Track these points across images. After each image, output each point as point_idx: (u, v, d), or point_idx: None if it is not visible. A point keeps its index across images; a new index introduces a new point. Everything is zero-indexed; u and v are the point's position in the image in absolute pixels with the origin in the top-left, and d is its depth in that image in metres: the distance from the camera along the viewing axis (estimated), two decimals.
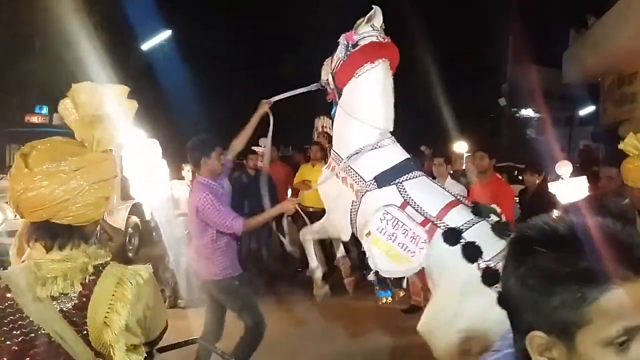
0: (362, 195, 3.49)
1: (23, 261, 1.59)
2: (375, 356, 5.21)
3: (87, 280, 1.53)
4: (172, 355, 1.97)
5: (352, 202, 3.56)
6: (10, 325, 1.49)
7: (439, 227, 3.17)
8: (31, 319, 1.49)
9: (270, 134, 4.38)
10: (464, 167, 7.56)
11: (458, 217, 3.19)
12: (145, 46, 17.55)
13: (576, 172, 6.82)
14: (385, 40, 3.75)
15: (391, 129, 3.73)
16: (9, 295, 1.50)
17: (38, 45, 12.76)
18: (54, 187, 1.50)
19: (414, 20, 15.67)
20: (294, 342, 5.39)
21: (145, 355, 1.58)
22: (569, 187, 5.48)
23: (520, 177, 14.34)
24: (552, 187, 6.13)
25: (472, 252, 3.02)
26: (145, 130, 5.84)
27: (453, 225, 3.14)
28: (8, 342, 1.48)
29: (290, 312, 6.37)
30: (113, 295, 1.52)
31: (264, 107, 4.29)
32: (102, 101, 1.67)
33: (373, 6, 3.74)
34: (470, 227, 3.13)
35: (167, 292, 6.43)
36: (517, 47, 19.77)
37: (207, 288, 4.20)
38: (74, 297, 1.52)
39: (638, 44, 9.07)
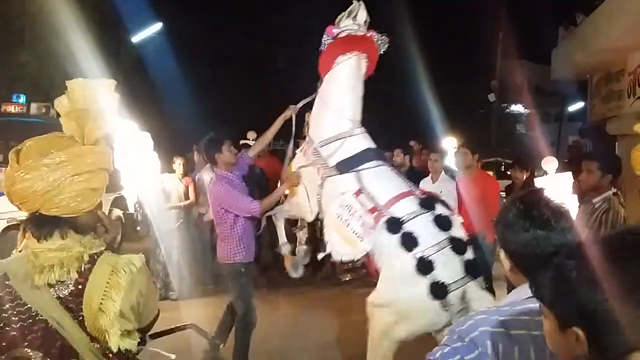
0: (325, 180, 3.77)
1: (20, 251, 1.65)
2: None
3: (82, 269, 1.59)
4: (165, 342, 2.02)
5: (318, 186, 3.83)
6: (9, 312, 1.56)
7: (385, 215, 3.36)
8: (29, 305, 1.56)
9: (292, 136, 4.58)
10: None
11: (404, 207, 3.39)
12: (136, 38, 17.45)
13: (565, 168, 6.93)
14: (366, 35, 3.93)
15: (359, 119, 3.94)
16: (7, 282, 1.57)
17: (28, 38, 12.66)
18: (35, 180, 1.56)
19: (403, 16, 15.70)
20: (286, 333, 5.46)
21: (139, 340, 1.65)
22: (555, 182, 5.59)
23: (509, 172, 14.51)
24: (539, 182, 6.23)
25: (408, 242, 3.21)
26: (136, 123, 5.88)
27: (397, 215, 3.33)
28: (7, 328, 1.55)
29: (281, 303, 6.42)
30: (107, 282, 1.58)
31: (290, 111, 4.48)
32: (91, 96, 1.73)
33: (354, 1, 3.93)
34: (413, 218, 3.32)
35: (158, 284, 6.47)
36: (506, 43, 19.87)
37: (222, 270, 4.52)
38: (70, 284, 1.58)
39: (625, 42, 9.17)
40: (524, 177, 6.39)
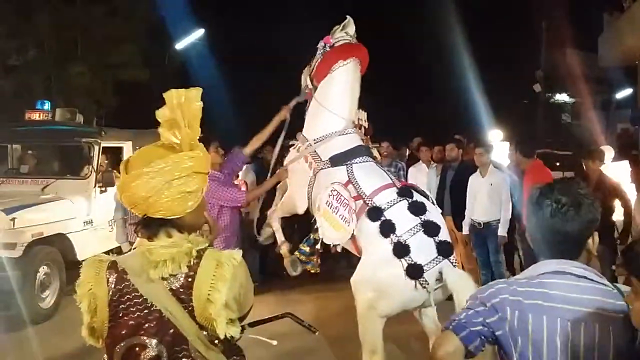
0: (318, 172, 4.14)
1: (134, 248, 1.82)
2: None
3: (191, 263, 1.74)
4: None
5: (310, 179, 4.20)
6: (127, 303, 1.72)
7: (368, 205, 3.72)
8: (145, 297, 1.72)
9: (282, 136, 4.99)
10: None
11: (385, 197, 3.73)
12: (180, 45, 17.88)
13: (617, 157, 6.80)
14: (359, 43, 4.40)
15: (353, 119, 4.36)
16: (125, 276, 1.74)
17: (81, 49, 13.18)
18: (139, 187, 1.72)
19: (447, 8, 15.63)
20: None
21: (241, 329, 1.79)
22: (612, 172, 5.54)
23: (558, 164, 14.24)
24: None
25: (386, 229, 3.55)
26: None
27: (378, 204, 3.69)
28: (125, 318, 1.72)
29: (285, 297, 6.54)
30: (214, 275, 1.72)
31: (284, 111, 4.83)
32: (184, 105, 1.86)
33: (347, 16, 4.41)
34: (392, 206, 3.66)
35: None
36: (551, 32, 19.47)
37: None
38: (181, 277, 1.73)
39: None
40: (599, 168, 5.86)
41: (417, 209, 3.61)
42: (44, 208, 6.65)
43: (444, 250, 3.48)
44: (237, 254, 1.81)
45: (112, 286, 1.74)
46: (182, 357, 1.73)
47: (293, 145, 7.97)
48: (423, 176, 7.72)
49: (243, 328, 1.85)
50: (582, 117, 21.63)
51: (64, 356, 5.12)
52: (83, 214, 7.07)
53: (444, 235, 3.59)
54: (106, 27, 12.77)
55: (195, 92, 1.92)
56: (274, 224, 4.82)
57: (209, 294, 1.70)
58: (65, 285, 6.56)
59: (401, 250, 3.45)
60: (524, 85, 22.12)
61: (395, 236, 3.51)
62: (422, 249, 3.46)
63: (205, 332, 1.74)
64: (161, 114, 1.87)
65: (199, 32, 17.99)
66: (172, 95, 1.87)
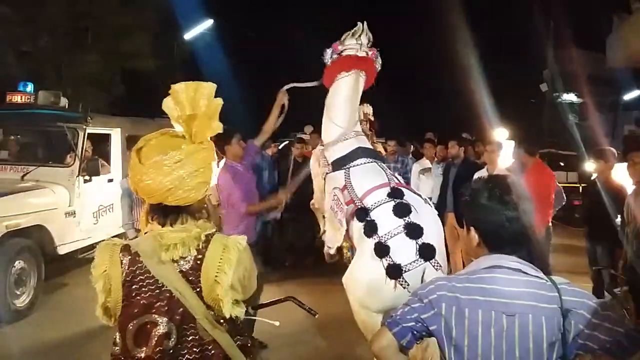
0: (325, 176, 4.34)
1: (146, 232, 1.93)
2: None
3: (200, 247, 1.86)
4: None
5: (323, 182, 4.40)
6: (140, 284, 1.84)
7: (358, 206, 3.82)
8: (156, 278, 1.84)
9: (281, 119, 4.96)
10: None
11: (373, 198, 3.80)
12: (188, 35, 17.91)
13: (621, 159, 6.83)
14: (368, 54, 4.42)
15: (353, 127, 4.41)
16: (138, 259, 1.85)
17: (91, 39, 13.27)
18: (160, 178, 1.83)
19: (454, 8, 15.64)
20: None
21: (245, 310, 1.89)
22: (619, 173, 5.59)
23: (562, 164, 14.24)
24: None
25: (369, 229, 3.63)
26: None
27: (366, 205, 3.78)
28: (138, 297, 1.84)
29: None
30: (221, 258, 1.84)
31: (282, 96, 4.84)
32: (197, 99, 1.96)
33: (358, 22, 4.37)
34: (377, 207, 3.73)
35: None
36: (559, 32, 19.45)
37: None
38: (191, 260, 1.85)
39: None
40: (610, 170, 5.79)
41: (401, 210, 3.62)
42: (22, 197, 6.15)
43: (425, 252, 3.48)
44: (242, 239, 1.92)
45: (126, 268, 1.85)
46: (190, 335, 1.84)
47: (301, 138, 8.19)
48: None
49: (247, 311, 1.95)
50: (590, 118, 21.63)
51: (39, 357, 4.97)
52: (65, 205, 6.63)
53: (429, 238, 3.56)
54: (119, 16, 12.85)
55: (210, 87, 2.00)
56: (318, 214, 4.95)
57: (216, 276, 1.81)
58: (43, 281, 6.13)
59: (381, 250, 3.50)
60: (531, 84, 22.13)
61: (377, 236, 3.57)
62: (402, 250, 3.49)
63: (212, 312, 1.86)
64: (167, 107, 1.96)
65: (208, 23, 18.03)
66: (183, 89, 1.96)
